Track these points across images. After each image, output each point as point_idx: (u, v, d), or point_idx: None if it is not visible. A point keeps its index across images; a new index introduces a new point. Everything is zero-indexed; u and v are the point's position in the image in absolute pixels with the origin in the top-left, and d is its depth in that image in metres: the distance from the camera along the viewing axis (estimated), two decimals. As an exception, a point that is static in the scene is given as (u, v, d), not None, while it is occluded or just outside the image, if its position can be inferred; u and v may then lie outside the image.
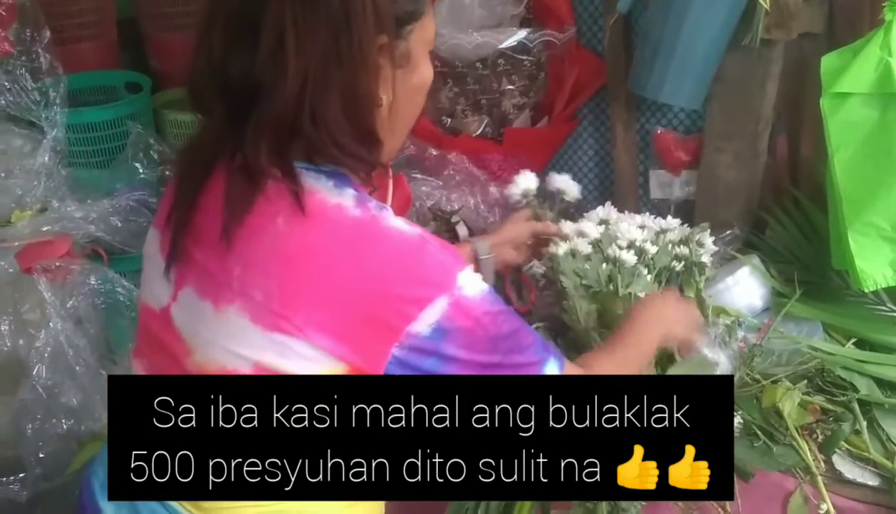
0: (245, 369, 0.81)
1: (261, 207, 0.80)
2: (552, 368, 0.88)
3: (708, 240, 1.43)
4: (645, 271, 1.35)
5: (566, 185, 1.45)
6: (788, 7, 1.44)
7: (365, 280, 0.78)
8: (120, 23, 2.35)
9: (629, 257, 1.34)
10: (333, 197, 0.80)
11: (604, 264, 1.34)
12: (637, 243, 1.39)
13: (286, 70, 0.75)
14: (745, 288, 1.41)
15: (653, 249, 1.38)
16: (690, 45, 1.50)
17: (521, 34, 1.71)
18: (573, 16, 1.75)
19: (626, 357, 1.04)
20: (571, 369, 0.91)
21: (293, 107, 0.76)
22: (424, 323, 0.78)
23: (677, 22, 1.48)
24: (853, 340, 1.33)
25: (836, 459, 1.16)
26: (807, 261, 1.45)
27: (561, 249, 1.34)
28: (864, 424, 1.17)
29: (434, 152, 1.75)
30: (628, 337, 1.08)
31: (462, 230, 1.64)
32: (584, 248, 1.38)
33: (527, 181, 1.45)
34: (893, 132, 1.29)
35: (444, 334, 0.79)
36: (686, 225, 1.46)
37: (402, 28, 0.83)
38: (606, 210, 1.46)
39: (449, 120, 1.81)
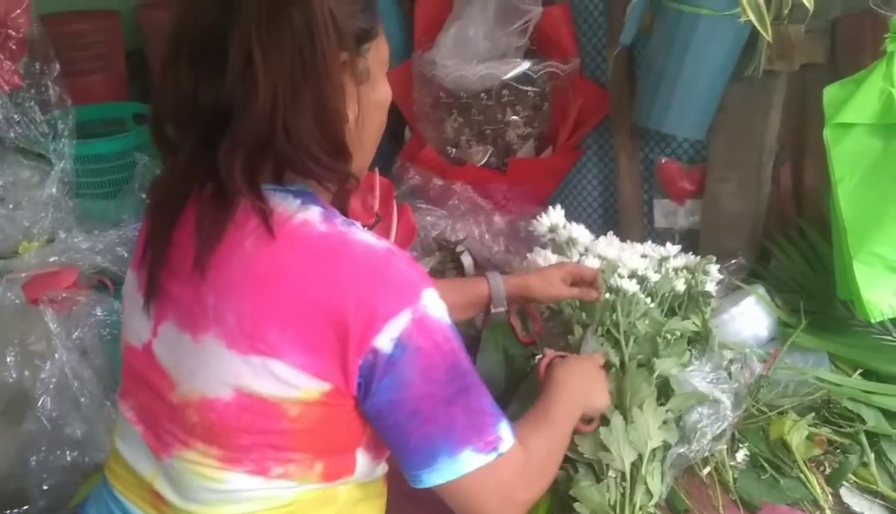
0: (226, 397, 0.81)
1: (230, 232, 0.81)
2: (506, 431, 0.86)
3: (713, 269, 1.42)
4: (648, 300, 1.35)
5: (579, 232, 1.44)
6: (790, 38, 1.45)
7: (333, 294, 0.78)
8: (128, 55, 2.38)
9: (630, 286, 1.34)
10: (300, 214, 0.81)
11: (606, 294, 1.34)
12: (639, 272, 1.39)
13: (257, 89, 0.76)
14: (751, 318, 1.41)
15: (654, 277, 1.39)
16: (693, 77, 1.51)
17: (525, 65, 1.72)
18: (576, 47, 1.76)
19: (555, 436, 1.00)
20: (516, 446, 0.87)
21: (267, 124, 0.77)
22: (387, 337, 0.78)
23: (680, 53, 1.49)
24: (860, 370, 1.32)
25: (843, 491, 1.15)
26: (812, 291, 1.45)
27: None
28: (872, 456, 1.16)
29: (439, 182, 1.75)
30: (555, 413, 1.02)
31: (467, 260, 1.64)
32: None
33: (554, 217, 1.44)
34: (896, 162, 1.30)
35: (403, 350, 0.79)
36: (690, 254, 1.47)
37: (360, 45, 0.85)
38: (608, 239, 1.46)
39: (454, 150, 1.81)
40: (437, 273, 1.63)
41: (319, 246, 0.80)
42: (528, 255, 1.48)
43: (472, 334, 1.48)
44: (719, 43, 1.47)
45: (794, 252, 1.52)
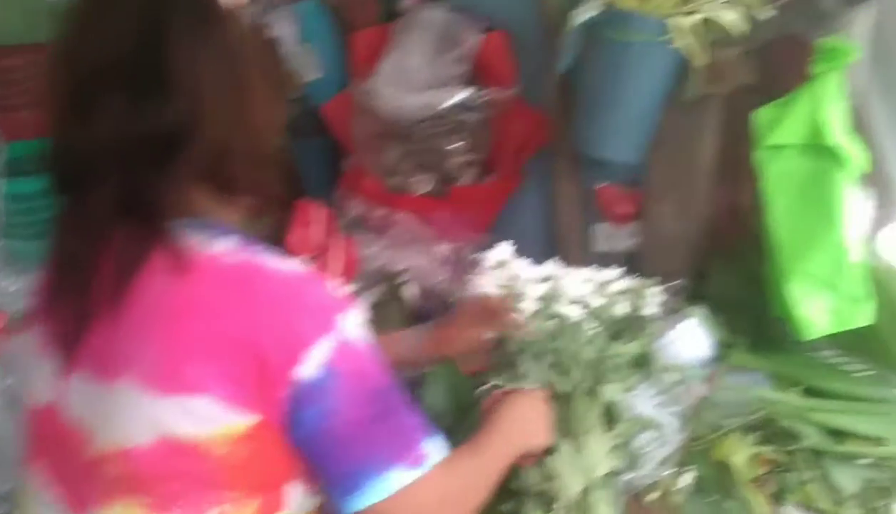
0: (147, 444, 0.78)
1: (143, 270, 0.78)
2: (435, 447, 0.86)
3: (654, 291, 1.44)
4: (592, 325, 1.36)
5: (524, 268, 1.44)
6: (721, 63, 1.48)
7: (249, 325, 0.77)
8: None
9: (574, 312, 1.34)
10: (215, 245, 0.80)
11: (550, 321, 1.34)
12: (582, 298, 1.39)
13: (201, 110, 0.76)
14: (692, 339, 1.42)
15: (597, 302, 1.39)
16: (629, 102, 1.53)
17: (465, 93, 1.73)
18: (515, 74, 1.77)
19: (481, 471, 0.99)
20: (444, 465, 0.87)
21: (212, 144, 0.77)
22: (309, 366, 0.78)
23: (615, 80, 1.52)
24: (799, 388, 1.34)
25: (787, 511, 1.16)
26: (750, 310, 1.47)
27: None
28: (814, 474, 1.17)
29: (381, 212, 1.74)
30: (486, 449, 1.01)
31: (412, 290, 1.63)
32: (531, 306, 1.38)
33: (501, 252, 1.43)
34: (826, 182, 1.33)
35: (326, 378, 0.78)
36: (632, 277, 1.48)
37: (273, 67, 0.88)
38: (550, 266, 1.47)
39: (395, 179, 1.81)
40: (381, 305, 1.62)
41: (233, 276, 0.78)
42: (473, 279, 1.47)
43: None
44: (653, 69, 1.50)
45: (731, 273, 1.55)
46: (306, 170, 2.10)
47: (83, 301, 0.81)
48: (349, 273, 1.44)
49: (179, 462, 0.79)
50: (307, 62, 1.91)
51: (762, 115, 1.40)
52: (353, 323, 0.82)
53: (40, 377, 0.86)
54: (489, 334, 1.25)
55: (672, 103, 1.54)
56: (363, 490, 0.82)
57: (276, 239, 1.56)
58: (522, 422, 1.09)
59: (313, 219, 1.50)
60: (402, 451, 0.83)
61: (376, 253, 1.65)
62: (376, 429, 0.82)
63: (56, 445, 0.85)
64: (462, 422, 1.30)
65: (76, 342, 0.82)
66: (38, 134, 2.22)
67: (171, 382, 0.77)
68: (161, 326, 0.78)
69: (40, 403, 0.86)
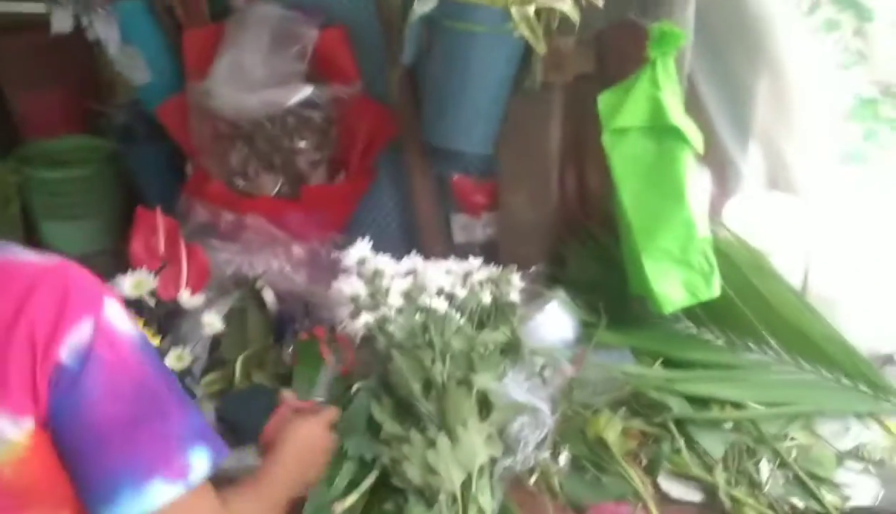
0: None
1: None
2: (200, 460, 0.80)
3: (515, 278, 1.45)
4: (458, 316, 1.35)
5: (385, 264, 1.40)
6: (561, 50, 1.51)
7: (9, 318, 0.73)
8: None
9: (440, 304, 1.33)
10: None
11: (416, 315, 1.32)
12: (446, 290, 1.38)
13: None
14: (555, 322, 1.45)
15: (462, 293, 1.39)
16: (475, 93, 1.53)
17: (307, 91, 1.67)
18: (357, 69, 1.74)
19: (273, 496, 0.98)
20: (220, 500, 0.84)
21: None
22: (68, 348, 0.74)
23: (460, 71, 1.51)
24: (660, 360, 1.39)
25: (661, 480, 1.20)
26: (608, 290, 1.51)
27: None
28: (682, 441, 1.22)
29: (230, 217, 1.66)
30: (276, 486, 0.99)
31: (269, 296, 1.56)
32: (397, 301, 1.35)
33: (361, 250, 1.39)
34: (670, 161, 1.38)
35: (84, 362, 0.74)
36: (491, 266, 1.48)
37: None
38: (412, 260, 1.44)
39: (242, 182, 1.72)
40: (238, 312, 1.54)
41: None
42: (334, 283, 1.43)
43: (281, 371, 1.41)
44: (497, 58, 1.50)
45: (586, 255, 1.59)
46: (145, 177, 1.98)
47: None
48: (200, 281, 1.35)
49: None
50: (134, 65, 1.79)
51: (605, 99, 1.43)
52: (117, 312, 0.78)
53: None
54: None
55: (518, 93, 1.55)
56: (118, 503, 0.75)
57: (117, 250, 1.45)
58: (307, 455, 1.07)
59: (155, 229, 1.40)
60: (163, 460, 0.77)
61: (229, 259, 1.57)
62: (137, 432, 0.77)
63: None
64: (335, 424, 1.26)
65: None
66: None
67: None
68: None
69: None
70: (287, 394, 1.19)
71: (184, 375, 1.31)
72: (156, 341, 1.27)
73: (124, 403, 0.76)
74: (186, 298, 1.33)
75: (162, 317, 1.31)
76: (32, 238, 1.97)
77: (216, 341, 1.45)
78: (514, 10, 1.44)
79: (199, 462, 0.79)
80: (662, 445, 1.22)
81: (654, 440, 1.24)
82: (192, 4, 1.81)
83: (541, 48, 1.47)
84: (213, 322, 1.38)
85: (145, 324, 1.27)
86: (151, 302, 1.30)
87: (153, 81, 1.81)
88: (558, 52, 1.51)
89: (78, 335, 0.74)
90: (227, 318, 1.49)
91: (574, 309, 1.48)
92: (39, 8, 1.76)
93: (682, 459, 1.21)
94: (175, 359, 1.29)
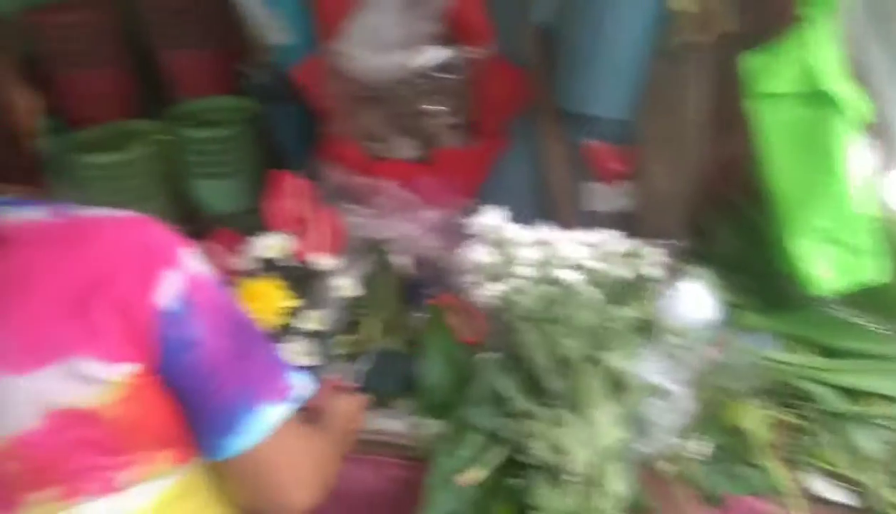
0: (37, 424, 0.76)
1: None
2: (298, 379, 0.89)
3: (654, 252, 1.39)
4: (590, 290, 1.31)
5: (514, 231, 1.37)
6: (708, 9, 1.42)
7: (98, 273, 0.76)
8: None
9: (571, 276, 1.29)
10: (24, 216, 0.79)
11: (546, 286, 1.29)
12: (578, 261, 1.34)
13: None
14: (695, 301, 1.37)
15: (595, 265, 1.34)
16: (611, 54, 1.46)
17: (441, 52, 1.65)
18: (491, 30, 1.69)
19: (335, 445, 1.07)
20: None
21: None
22: (166, 298, 0.78)
23: (596, 30, 1.45)
24: (812, 348, 1.30)
25: (804, 476, 1.13)
26: (754, 268, 1.42)
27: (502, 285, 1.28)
28: (831, 437, 1.14)
29: (362, 180, 1.66)
30: (332, 430, 1.10)
31: (401, 260, 1.57)
32: (527, 271, 1.32)
33: (489, 216, 1.37)
34: (824, 131, 1.28)
35: (186, 307, 0.79)
36: (627, 237, 1.42)
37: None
38: (544, 229, 1.41)
39: (374, 145, 1.73)
40: (371, 276, 1.55)
41: (64, 235, 0.78)
42: (461, 251, 1.41)
43: (412, 338, 1.41)
44: (635, 17, 1.43)
45: (732, 229, 1.50)
46: (285, 138, 2.03)
47: None
48: (335, 245, 1.37)
49: (73, 434, 0.77)
50: (272, 25, 1.82)
51: (751, 62, 1.33)
52: (196, 257, 0.83)
53: None
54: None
55: (658, 54, 1.47)
56: (238, 429, 0.82)
57: (255, 211, 1.49)
58: (347, 425, 1.16)
59: (291, 190, 1.42)
60: (270, 383, 0.85)
61: (361, 223, 1.58)
62: (242, 360, 0.83)
63: None
64: (459, 393, 1.25)
65: None
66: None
67: (37, 355, 0.75)
68: (5, 307, 0.76)
69: None
70: (330, 376, 1.30)
71: (321, 336, 1.33)
72: (295, 303, 1.29)
73: (227, 338, 0.82)
74: (323, 260, 1.34)
75: (298, 279, 1.33)
76: (184, 197, 2.06)
77: (350, 304, 1.47)
78: (657, -34, 1.36)
79: (299, 383, 0.89)
80: (807, 439, 1.14)
81: (798, 434, 1.16)
82: (330, -36, 1.82)
83: (683, 6, 1.38)
84: (346, 285, 1.40)
85: (283, 285, 1.29)
86: (288, 263, 1.32)
87: (291, 43, 1.82)
88: (705, 11, 1.42)
89: (172, 284, 0.79)
90: (362, 281, 1.50)
91: (716, 287, 1.39)
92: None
93: (830, 455, 1.13)
94: (313, 321, 1.31)
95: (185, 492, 0.87)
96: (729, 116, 1.56)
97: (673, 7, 1.39)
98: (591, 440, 1.09)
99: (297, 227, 1.36)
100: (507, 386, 1.21)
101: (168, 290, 0.78)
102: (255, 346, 0.86)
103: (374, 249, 1.54)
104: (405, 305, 1.49)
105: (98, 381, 0.76)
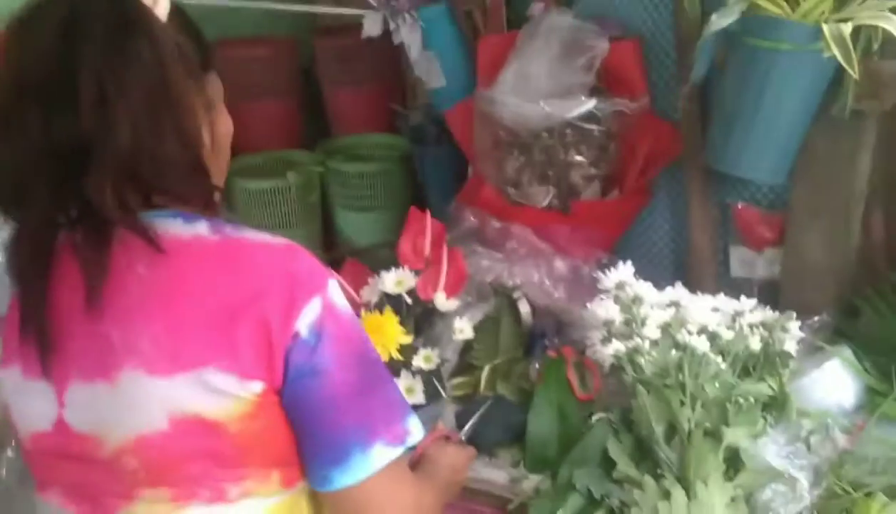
0: (162, 427, 0.79)
1: (117, 263, 0.79)
2: (416, 424, 0.88)
3: (794, 326, 1.29)
4: (719, 360, 1.23)
5: (646, 291, 1.32)
6: (881, 76, 1.33)
7: (245, 293, 0.79)
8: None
9: (700, 343, 1.23)
10: (187, 231, 0.82)
11: (672, 352, 1.23)
12: (710, 328, 1.27)
13: (115, 123, 0.76)
14: (834, 383, 1.27)
15: (727, 334, 1.27)
16: (771, 117, 1.39)
17: (591, 103, 1.63)
18: (646, 84, 1.66)
19: (438, 496, 1.05)
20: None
21: (131, 155, 0.77)
22: (303, 323, 0.80)
23: (757, 91, 1.38)
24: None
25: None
26: (906, 355, 1.30)
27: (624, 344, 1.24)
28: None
29: (497, 224, 1.67)
30: (437, 479, 1.09)
31: (524, 307, 1.55)
32: (653, 333, 1.27)
33: (622, 273, 1.33)
34: None
35: (318, 337, 0.81)
36: (768, 308, 1.34)
37: (202, 76, 0.88)
38: (677, 291, 1.35)
39: (514, 191, 1.73)
40: (492, 320, 1.54)
41: (219, 252, 0.82)
42: (588, 305, 1.37)
43: (525, 386, 1.39)
44: (800, 80, 1.35)
45: (886, 310, 1.38)
46: (431, 178, 2.08)
47: (40, 320, 0.81)
48: (456, 287, 1.37)
49: (195, 441, 0.80)
50: (431, 69, 1.87)
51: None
52: (337, 291, 0.85)
53: (37, 402, 0.85)
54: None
55: (822, 120, 1.39)
56: (349, 465, 0.83)
57: (393, 247, 1.52)
58: (452, 476, 1.13)
59: (423, 230, 1.45)
60: (386, 426, 0.85)
61: (490, 266, 1.58)
62: (366, 400, 0.84)
63: (68, 463, 0.85)
64: (566, 450, 1.21)
65: (50, 359, 0.82)
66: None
67: (175, 361, 0.78)
68: (153, 310, 0.79)
69: (46, 426, 0.85)
70: (441, 425, 1.30)
71: (431, 376, 1.34)
72: (408, 339, 1.31)
73: (353, 372, 0.83)
74: (442, 301, 1.35)
75: (417, 316, 1.35)
76: (328, 226, 2.15)
77: (467, 346, 1.47)
78: (826, 29, 1.29)
79: (415, 429, 0.88)
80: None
81: (937, 543, 1.04)
82: (492, 12, 1.86)
83: (854, 72, 1.30)
84: (464, 328, 1.40)
85: (401, 321, 1.31)
86: (409, 300, 1.34)
87: (447, 86, 1.87)
88: (876, 77, 1.33)
89: (311, 312, 0.80)
90: (482, 324, 1.50)
91: (860, 371, 1.29)
92: (355, 12, 1.91)
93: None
94: (423, 359, 1.32)
95: (290, 512, 0.88)
96: (893, 189, 1.45)
97: (844, 72, 1.30)
98: (699, 518, 1.03)
99: (422, 265, 1.37)
100: (616, 449, 1.16)
101: (307, 317, 0.80)
102: (380, 385, 0.86)
103: (499, 293, 1.54)
104: (524, 353, 1.47)
105: (228, 394, 0.79)
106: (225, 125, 0.93)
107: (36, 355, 0.82)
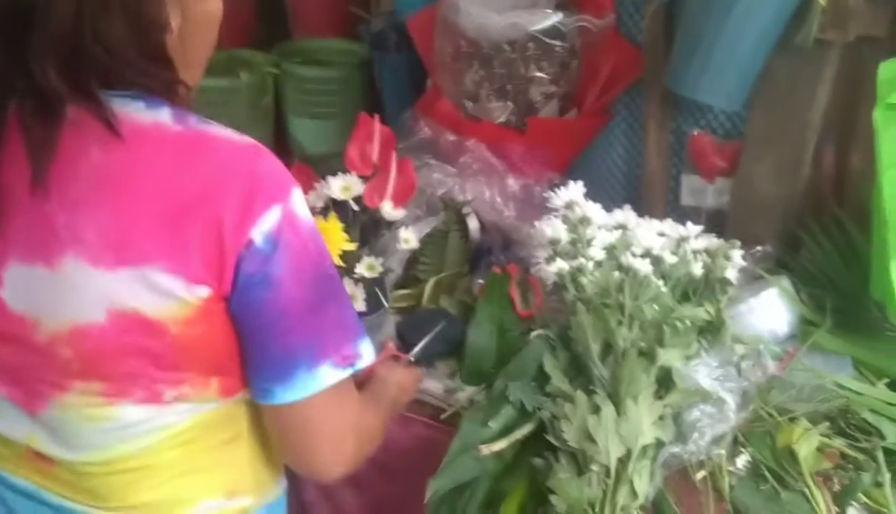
0: (100, 320, 0.76)
1: (68, 142, 0.74)
2: (367, 349, 0.85)
3: (736, 254, 1.30)
4: (660, 283, 1.24)
5: (594, 212, 1.31)
6: (848, 6, 1.31)
7: (202, 190, 0.75)
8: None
9: (643, 265, 1.23)
10: (148, 116, 0.77)
11: (615, 273, 1.23)
12: (654, 252, 1.27)
13: None
14: (770, 312, 1.29)
15: (671, 259, 1.27)
16: (735, 41, 1.37)
17: (556, 17, 1.59)
18: (612, 1, 1.62)
19: (383, 417, 1.03)
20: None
21: (71, 27, 0.71)
22: (259, 230, 0.76)
23: (722, 14, 1.35)
24: (885, 380, 1.19)
25: (851, 511, 1.04)
26: (843, 288, 1.32)
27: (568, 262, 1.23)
28: (888, 476, 1.04)
29: (451, 138, 1.64)
30: (384, 400, 1.06)
31: (473, 223, 1.54)
32: (598, 254, 1.27)
33: (572, 192, 1.31)
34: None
35: (275, 246, 0.76)
36: (713, 236, 1.34)
37: None
38: (624, 213, 1.34)
39: (471, 105, 1.69)
40: (440, 234, 1.53)
41: (179, 144, 0.76)
42: (536, 223, 1.37)
43: (468, 301, 1.39)
44: (767, 4, 1.33)
45: (827, 244, 1.39)
46: (389, 86, 2.02)
47: None
48: (404, 197, 1.35)
49: (133, 339, 0.77)
50: (397, -27, 1.81)
51: (886, 69, 1.22)
52: (301, 199, 0.80)
53: None
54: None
55: (784, 48, 1.37)
56: (293, 382, 0.80)
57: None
58: (399, 395, 1.11)
59: (371, 136, 1.41)
60: (335, 347, 0.82)
61: (442, 179, 1.56)
62: (316, 317, 0.80)
63: (3, 344, 0.82)
64: (503, 364, 1.22)
65: None
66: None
67: (121, 253, 0.74)
68: (103, 198, 0.75)
69: None
70: (391, 345, 1.28)
71: (374, 285, 1.33)
72: (352, 247, 1.29)
73: (307, 287, 0.79)
74: (389, 209, 1.33)
75: (363, 224, 1.32)
76: (281, 132, 2.09)
77: (413, 259, 1.46)
78: (796, -48, 1.26)
79: (366, 352, 0.84)
80: (864, 474, 1.05)
81: (854, 467, 1.07)
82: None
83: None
84: (409, 238, 1.38)
85: (346, 228, 1.29)
86: (355, 207, 1.31)
87: (414, -7, 1.81)
88: (843, 7, 1.31)
89: (269, 219, 0.76)
90: (429, 238, 1.49)
91: (796, 302, 1.30)
92: None
93: (883, 495, 1.03)
94: (367, 267, 1.30)
95: (223, 421, 0.86)
96: (851, 124, 1.44)
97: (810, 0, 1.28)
98: (626, 434, 1.04)
99: (370, 171, 1.35)
100: (552, 364, 1.17)
101: (265, 224, 0.76)
102: (334, 303, 0.82)
103: (448, 208, 1.52)
104: (469, 268, 1.46)
105: (172, 296, 0.75)
106: (203, 7, 0.83)
107: None
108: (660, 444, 1.05)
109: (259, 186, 0.76)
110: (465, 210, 1.52)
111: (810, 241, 1.40)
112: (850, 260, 1.34)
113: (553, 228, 1.33)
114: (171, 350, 0.78)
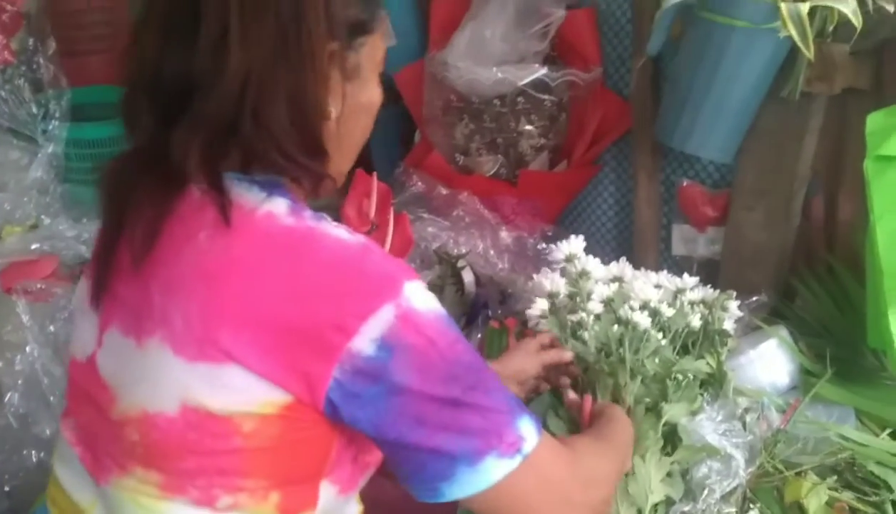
0: (171, 412, 0.72)
1: (183, 223, 0.73)
2: (527, 427, 0.75)
3: (733, 305, 1.30)
4: (659, 335, 1.24)
5: (594, 266, 1.30)
6: (833, 59, 1.33)
7: (297, 292, 0.70)
8: (134, 37, 2.28)
9: (642, 319, 1.23)
10: (264, 206, 0.73)
11: (615, 327, 1.23)
12: (652, 304, 1.27)
13: (227, 66, 0.70)
14: (771, 363, 1.29)
15: (668, 311, 1.27)
16: (723, 94, 1.39)
17: (543, 71, 1.62)
18: (600, 56, 1.65)
19: (607, 451, 0.92)
20: (550, 443, 0.78)
21: (232, 107, 0.70)
22: (366, 338, 0.69)
23: (710, 68, 1.38)
24: (888, 430, 1.19)
25: (864, 569, 1.03)
26: (840, 337, 1.32)
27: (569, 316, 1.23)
28: (900, 531, 1.04)
29: (444, 191, 1.65)
30: (610, 435, 0.96)
31: (468, 276, 1.54)
32: (595, 307, 1.27)
33: (573, 246, 1.31)
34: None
35: (390, 352, 0.69)
36: (708, 287, 1.35)
37: (354, 38, 0.77)
38: (621, 266, 1.34)
39: (462, 158, 1.71)
40: (435, 288, 1.53)
41: (283, 240, 0.71)
42: (535, 276, 1.36)
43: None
44: (754, 59, 1.35)
45: (822, 292, 1.40)
46: (376, 139, 2.02)
47: (108, 254, 0.78)
48: (402, 252, 1.35)
49: (200, 437, 0.72)
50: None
51: (875, 120, 1.24)
52: (419, 291, 0.72)
53: (84, 330, 0.82)
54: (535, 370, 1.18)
55: (772, 101, 1.40)
56: (456, 479, 0.72)
57: (333, 208, 1.48)
58: (629, 439, 1.01)
59: (369, 193, 1.41)
60: (494, 437, 0.73)
61: (436, 233, 1.56)
62: (460, 411, 0.72)
63: (88, 402, 0.81)
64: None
65: (101, 295, 0.78)
66: (106, 79, 2.20)
67: (203, 347, 0.70)
68: (197, 285, 0.71)
69: (81, 356, 0.82)
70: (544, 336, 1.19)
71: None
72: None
73: (440, 385, 0.71)
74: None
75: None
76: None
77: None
78: (783, 7, 1.29)
79: (529, 432, 0.75)
80: (873, 529, 1.05)
81: (863, 522, 1.07)
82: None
83: (809, 53, 1.30)
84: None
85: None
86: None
87: (398, 46, 1.82)
88: (828, 60, 1.33)
89: (376, 324, 0.69)
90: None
91: (795, 352, 1.30)
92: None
93: (895, 553, 1.03)
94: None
95: None
96: (840, 175, 1.47)
97: (797, 53, 1.31)
98: (636, 493, 1.03)
99: (367, 228, 1.34)
100: (557, 426, 1.15)
101: (373, 331, 0.69)
102: (480, 390, 0.73)
103: (443, 262, 1.52)
104: (466, 322, 1.46)
105: (244, 394, 0.71)
106: (365, 94, 0.80)
107: (92, 284, 0.79)
108: (669, 502, 1.04)
109: (361, 290, 0.70)
110: (460, 264, 1.52)
111: (804, 289, 1.42)
112: (846, 308, 1.35)
113: (552, 281, 1.33)
114: (239, 452, 0.73)
